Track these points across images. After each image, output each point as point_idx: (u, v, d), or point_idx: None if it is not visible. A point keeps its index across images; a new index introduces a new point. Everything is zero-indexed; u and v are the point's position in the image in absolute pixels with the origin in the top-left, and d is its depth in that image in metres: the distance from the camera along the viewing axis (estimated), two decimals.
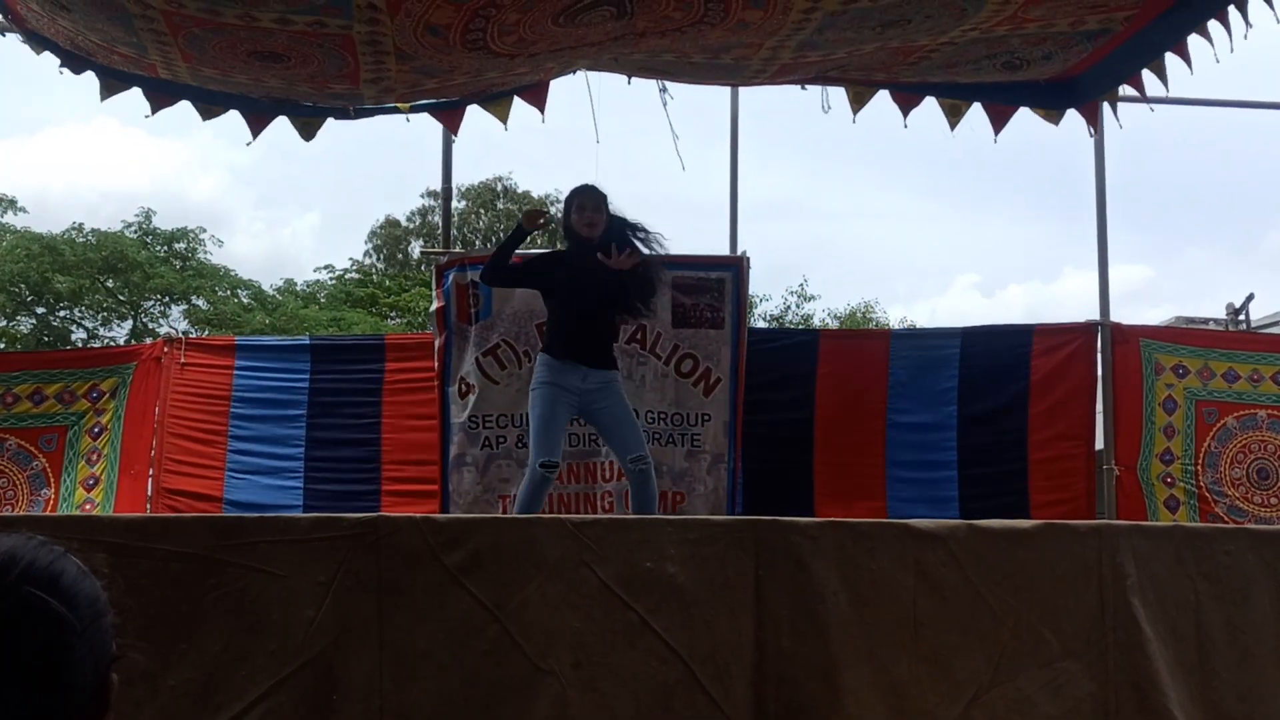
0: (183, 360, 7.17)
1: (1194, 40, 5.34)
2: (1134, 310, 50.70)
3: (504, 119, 6.50)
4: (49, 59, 5.58)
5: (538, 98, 6.44)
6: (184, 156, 43.19)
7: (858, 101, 6.53)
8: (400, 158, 48.40)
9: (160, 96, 5.93)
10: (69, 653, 1.24)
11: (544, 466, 5.42)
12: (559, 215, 6.04)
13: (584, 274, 5.64)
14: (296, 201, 47.79)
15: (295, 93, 5.92)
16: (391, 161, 47.92)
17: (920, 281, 48.65)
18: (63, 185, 39.20)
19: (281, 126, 6.35)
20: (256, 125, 6.25)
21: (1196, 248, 49.55)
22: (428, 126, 6.78)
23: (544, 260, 6.01)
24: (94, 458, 7.09)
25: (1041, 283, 46.38)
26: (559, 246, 6.13)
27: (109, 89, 5.80)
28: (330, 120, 6.39)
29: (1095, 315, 7.36)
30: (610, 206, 5.76)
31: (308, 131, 6.40)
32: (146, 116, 6.00)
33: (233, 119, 6.22)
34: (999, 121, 6.55)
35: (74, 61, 5.59)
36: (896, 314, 41.28)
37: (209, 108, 6.13)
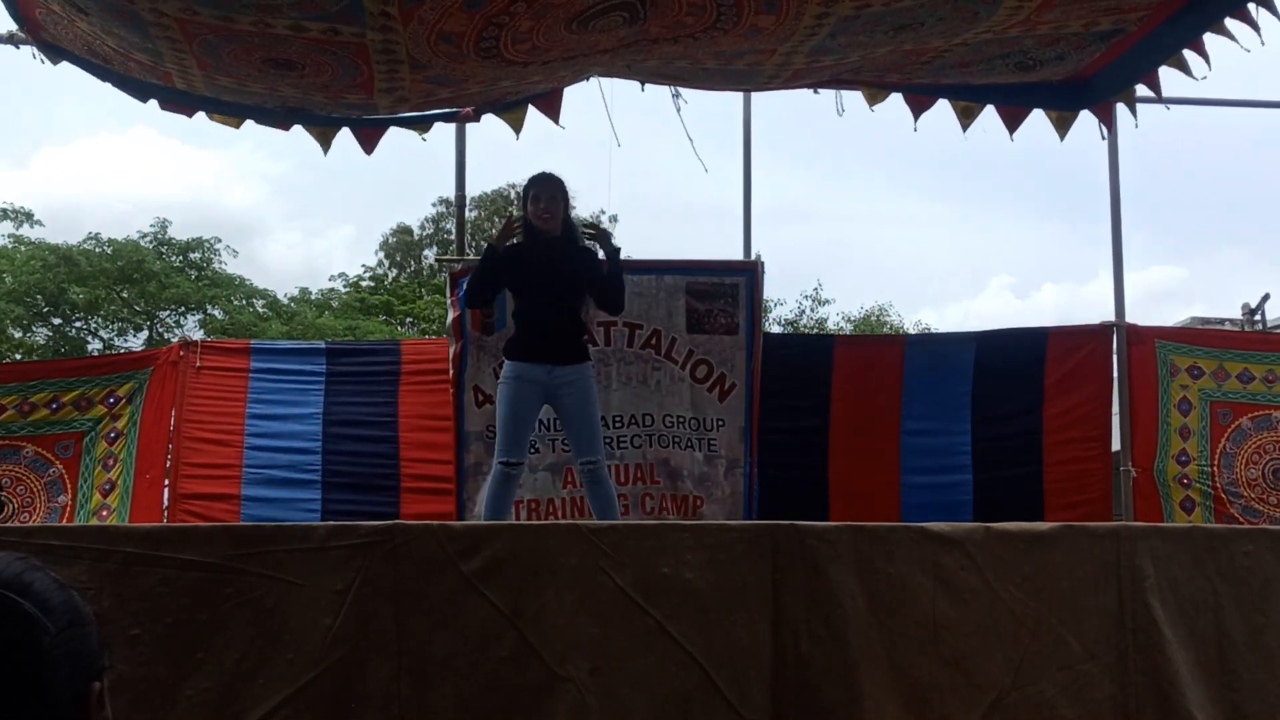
0: (199, 364, 7.18)
1: (1214, 39, 5.30)
2: (1169, 311, 50.22)
3: (518, 128, 6.50)
4: (75, 69, 5.61)
5: (552, 106, 6.42)
6: (219, 167, 43.16)
7: (873, 99, 6.52)
8: (415, 167, 48.52)
9: (180, 107, 5.96)
10: (43, 654, 1.29)
11: (503, 464, 5.37)
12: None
13: (543, 267, 5.51)
14: (329, 213, 47.86)
15: (310, 102, 5.93)
16: (409, 170, 48.00)
17: (951, 284, 48.38)
18: (95, 196, 38.94)
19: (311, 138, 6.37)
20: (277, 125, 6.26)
21: (1231, 249, 49.12)
22: (441, 135, 6.80)
23: (508, 258, 5.65)
24: (110, 463, 7.09)
25: (1075, 284, 46.07)
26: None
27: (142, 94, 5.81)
28: (346, 130, 6.39)
29: (1123, 317, 7.34)
30: (570, 197, 5.60)
31: (325, 141, 6.42)
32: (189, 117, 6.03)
33: (268, 129, 6.24)
34: (1013, 123, 6.53)
35: (93, 70, 5.61)
36: (926, 317, 41.15)
37: (225, 119, 6.15)
